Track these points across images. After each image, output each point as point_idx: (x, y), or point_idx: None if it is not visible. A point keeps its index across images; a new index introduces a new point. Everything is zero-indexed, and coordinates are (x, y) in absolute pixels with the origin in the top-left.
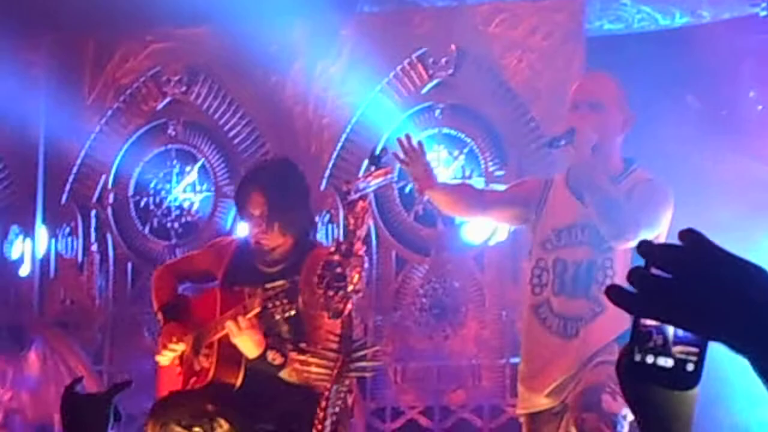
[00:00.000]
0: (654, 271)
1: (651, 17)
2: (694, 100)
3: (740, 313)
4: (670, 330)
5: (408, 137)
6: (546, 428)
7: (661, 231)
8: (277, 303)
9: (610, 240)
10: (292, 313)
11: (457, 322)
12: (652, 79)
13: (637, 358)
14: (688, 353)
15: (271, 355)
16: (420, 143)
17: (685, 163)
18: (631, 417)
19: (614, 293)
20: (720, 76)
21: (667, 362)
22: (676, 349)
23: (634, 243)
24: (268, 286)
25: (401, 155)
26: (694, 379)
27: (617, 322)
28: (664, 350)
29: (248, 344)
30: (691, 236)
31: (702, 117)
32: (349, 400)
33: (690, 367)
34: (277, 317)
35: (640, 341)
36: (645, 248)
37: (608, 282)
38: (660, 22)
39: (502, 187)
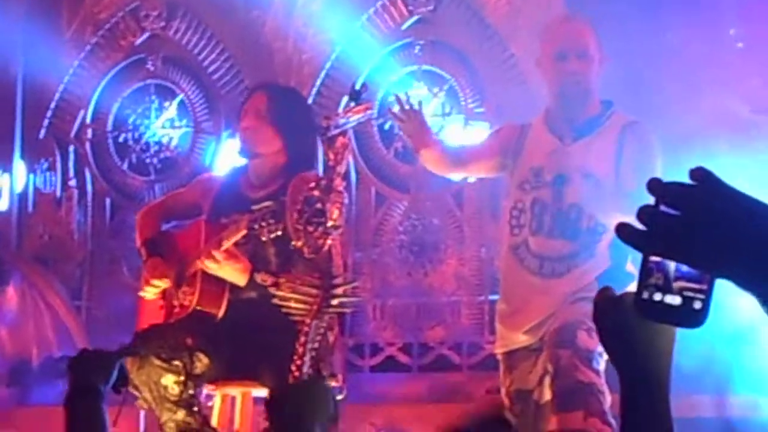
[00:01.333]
0: (663, 208)
1: None
2: (673, 37)
3: (748, 250)
4: (678, 267)
5: (406, 96)
6: (522, 365)
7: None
8: (263, 224)
9: (599, 217)
10: (279, 233)
11: (437, 259)
12: (630, 15)
13: (645, 295)
14: (695, 291)
15: (260, 277)
16: (420, 103)
17: (663, 102)
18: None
19: (624, 231)
20: (699, 13)
21: (674, 300)
22: (684, 286)
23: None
24: (255, 207)
25: (399, 114)
26: (701, 317)
27: (599, 262)
28: (671, 287)
29: (233, 274)
30: (701, 174)
31: (680, 54)
32: (331, 338)
33: (697, 305)
34: (264, 238)
35: (648, 279)
36: (655, 186)
37: (597, 227)
38: None
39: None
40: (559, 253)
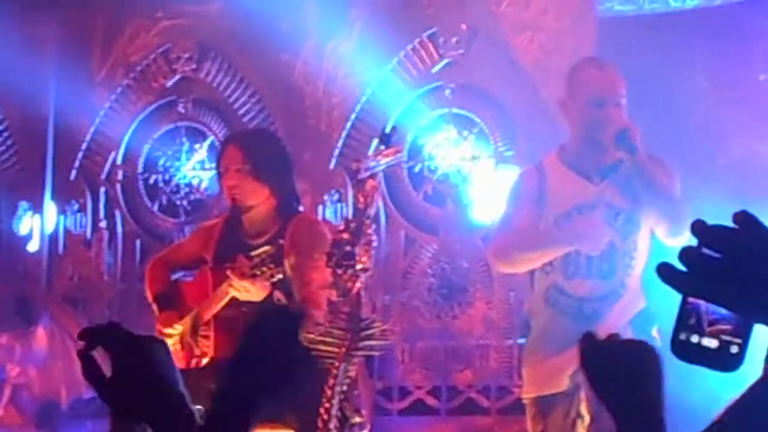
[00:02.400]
0: (705, 250)
1: None
2: (706, 83)
3: None
4: (717, 310)
5: None
6: (557, 410)
7: None
8: (264, 269)
9: (672, 237)
10: (280, 276)
11: (465, 302)
12: (662, 61)
13: (682, 336)
14: (732, 335)
15: (277, 295)
16: None
17: (695, 145)
18: None
19: (665, 271)
20: (731, 59)
21: (711, 343)
22: (722, 329)
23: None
24: (253, 253)
25: None
26: (737, 362)
27: (634, 305)
28: (708, 331)
29: (255, 292)
30: (743, 218)
31: (712, 99)
32: (354, 377)
33: (734, 349)
34: (266, 283)
35: (686, 320)
36: (698, 227)
37: (633, 266)
38: (671, 3)
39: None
40: (598, 294)
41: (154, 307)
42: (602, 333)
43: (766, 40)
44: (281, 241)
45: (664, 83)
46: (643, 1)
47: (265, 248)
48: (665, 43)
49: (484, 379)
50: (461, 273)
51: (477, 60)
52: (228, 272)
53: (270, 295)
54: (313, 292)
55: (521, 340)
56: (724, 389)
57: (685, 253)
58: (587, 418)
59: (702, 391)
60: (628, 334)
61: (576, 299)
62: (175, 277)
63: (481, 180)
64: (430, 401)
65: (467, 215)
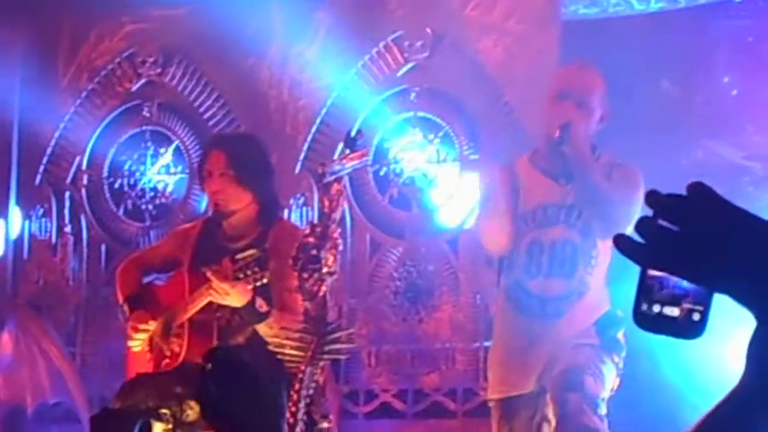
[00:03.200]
0: (661, 222)
1: (626, 2)
2: (669, 85)
3: (745, 266)
4: (677, 280)
5: None
6: (523, 412)
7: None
8: (249, 273)
9: (602, 236)
10: (264, 281)
11: (431, 306)
12: (627, 63)
13: (644, 307)
14: (693, 303)
15: (258, 302)
16: None
17: (659, 147)
18: (608, 397)
19: (622, 243)
20: (694, 61)
21: (673, 312)
22: (682, 298)
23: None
24: (239, 256)
25: None
26: (699, 329)
27: (597, 306)
28: (670, 300)
29: (235, 297)
30: (698, 188)
31: (676, 101)
32: (320, 379)
33: (696, 316)
34: (249, 287)
35: (646, 291)
36: (653, 199)
37: (594, 265)
38: (635, 6)
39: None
40: (560, 292)
41: (125, 307)
42: (566, 332)
43: (729, 43)
44: (267, 245)
45: (628, 85)
46: (607, 4)
47: (251, 252)
48: (629, 46)
49: (451, 382)
50: (427, 276)
51: (442, 64)
52: (209, 274)
53: (252, 302)
54: (291, 298)
55: (487, 343)
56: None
57: (641, 225)
58: (554, 422)
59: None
60: (592, 337)
61: (538, 298)
62: (147, 279)
63: (447, 183)
64: (397, 404)
65: (433, 219)
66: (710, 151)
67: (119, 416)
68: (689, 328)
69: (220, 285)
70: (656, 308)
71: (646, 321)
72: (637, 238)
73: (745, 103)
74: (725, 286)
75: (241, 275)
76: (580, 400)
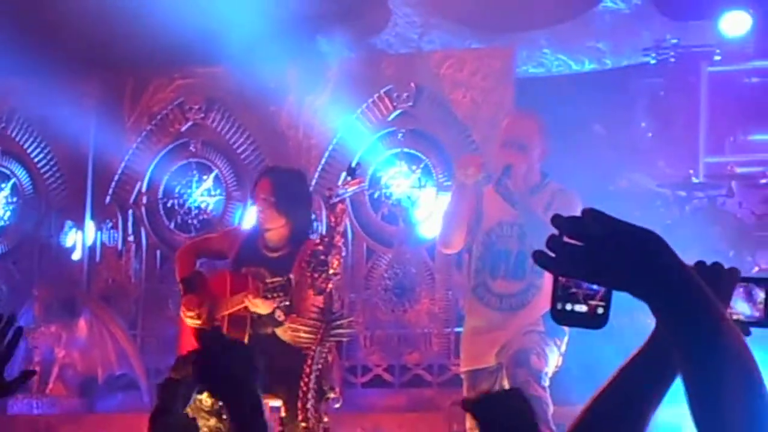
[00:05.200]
0: (566, 239)
1: (566, 63)
2: (600, 128)
3: (631, 268)
4: (581, 283)
5: None
6: (484, 384)
7: None
8: (275, 295)
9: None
10: (287, 303)
11: (413, 300)
12: (566, 111)
13: (559, 306)
14: (597, 300)
15: (277, 313)
16: None
17: (592, 177)
18: (551, 373)
19: (539, 257)
20: (619, 109)
21: (582, 308)
22: (588, 297)
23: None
24: (269, 281)
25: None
26: (604, 320)
27: (543, 302)
28: (578, 300)
29: (262, 308)
30: (591, 212)
31: (605, 141)
32: (329, 359)
33: (600, 310)
34: (275, 305)
35: (560, 294)
36: (557, 222)
37: (541, 271)
38: (573, 67)
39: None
40: (514, 291)
41: (180, 287)
42: (519, 322)
43: (645, 96)
44: (291, 276)
45: (567, 129)
46: (551, 65)
47: (279, 279)
48: (568, 98)
49: (428, 359)
50: (410, 277)
51: (423, 110)
52: (249, 290)
53: (272, 312)
54: (304, 306)
55: (458, 329)
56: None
57: (550, 242)
58: None
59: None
60: (539, 325)
61: (497, 295)
62: (199, 263)
63: (426, 204)
64: (386, 377)
65: (415, 232)
66: (631, 181)
67: (180, 385)
68: (596, 320)
69: (254, 300)
70: (569, 306)
71: (562, 317)
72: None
73: (658, 143)
74: (618, 285)
75: (269, 295)
76: (526, 374)
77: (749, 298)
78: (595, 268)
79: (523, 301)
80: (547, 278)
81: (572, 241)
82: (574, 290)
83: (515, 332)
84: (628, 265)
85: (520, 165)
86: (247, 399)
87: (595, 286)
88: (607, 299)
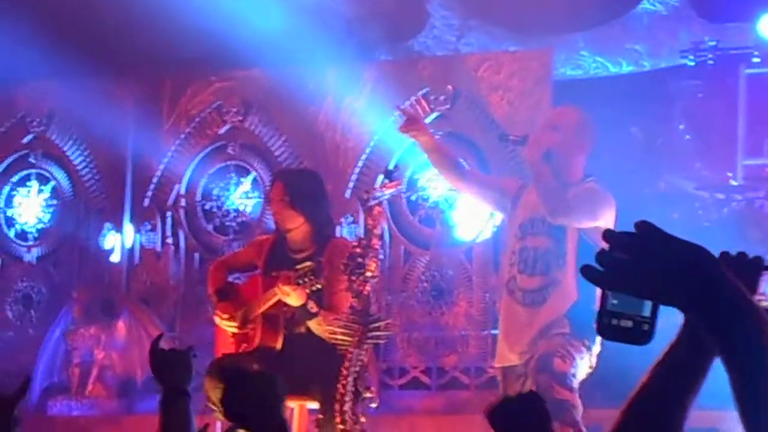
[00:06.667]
0: (615, 253)
1: (603, 66)
2: (637, 131)
3: (681, 284)
4: (630, 298)
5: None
6: (514, 386)
7: (604, 224)
8: (306, 280)
9: (547, 216)
10: (319, 287)
11: (451, 302)
12: (604, 114)
13: (605, 321)
14: (643, 316)
15: (310, 304)
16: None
17: (629, 179)
18: (580, 375)
19: (587, 272)
20: (656, 112)
21: (627, 324)
22: (634, 313)
23: (566, 220)
24: (298, 267)
25: (405, 124)
26: (649, 336)
27: (566, 299)
28: (624, 314)
29: (294, 297)
30: (643, 226)
31: (642, 144)
32: (366, 361)
33: (645, 327)
34: (306, 290)
35: (606, 308)
36: (608, 235)
37: (562, 264)
38: (610, 69)
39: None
40: (536, 286)
41: (213, 298)
42: (543, 320)
43: (683, 98)
44: (321, 260)
45: (605, 132)
46: (589, 67)
47: (307, 264)
48: (606, 100)
49: (465, 361)
50: (447, 279)
51: (460, 113)
52: (278, 279)
53: (305, 304)
54: (337, 299)
55: (495, 331)
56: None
57: (600, 257)
58: None
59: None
60: (564, 326)
61: (522, 290)
62: (231, 278)
63: (463, 207)
64: (423, 379)
65: (452, 234)
66: (669, 183)
67: (176, 357)
68: (640, 336)
69: (283, 287)
70: (614, 321)
71: (607, 331)
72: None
73: (696, 145)
74: (667, 299)
75: (300, 282)
76: (549, 379)
77: None
78: (643, 283)
79: (545, 296)
80: (569, 271)
81: (621, 255)
82: (620, 305)
83: (539, 331)
84: (678, 280)
85: (541, 139)
86: (273, 426)
87: (641, 302)
88: (653, 315)
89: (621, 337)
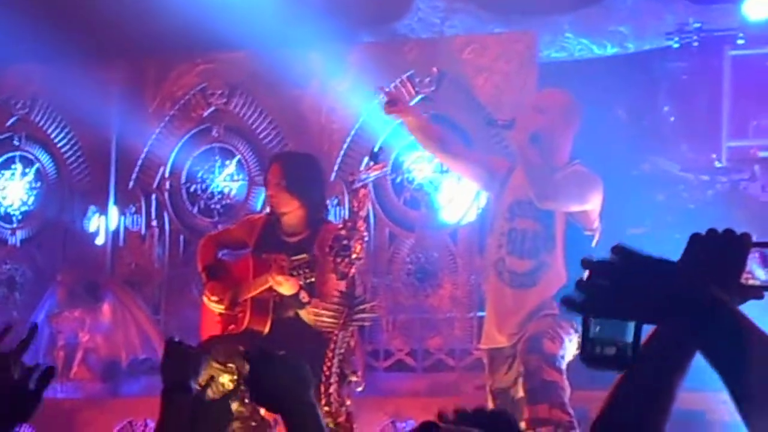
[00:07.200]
0: (595, 280)
1: (588, 48)
2: (622, 113)
3: (662, 299)
4: (611, 323)
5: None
6: (501, 367)
7: (591, 207)
8: (300, 272)
9: (535, 200)
10: (312, 280)
11: (436, 284)
12: (589, 96)
13: (589, 349)
14: (624, 341)
15: (302, 294)
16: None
17: (614, 161)
18: (568, 356)
19: (566, 301)
20: (641, 94)
21: (611, 351)
22: (616, 339)
23: (554, 205)
24: (294, 258)
25: (388, 104)
26: (631, 360)
27: (556, 281)
28: (608, 341)
29: (287, 287)
30: (619, 251)
31: (627, 126)
32: (352, 343)
33: (629, 352)
34: (300, 282)
35: (589, 336)
36: (587, 263)
37: (550, 247)
38: (595, 51)
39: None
40: (526, 269)
41: (203, 276)
42: (532, 301)
43: (668, 80)
44: (316, 253)
45: (590, 113)
46: (573, 49)
47: (304, 256)
48: (591, 82)
49: (450, 343)
50: (432, 261)
51: (445, 95)
52: (272, 271)
53: (297, 293)
54: (326, 288)
55: (480, 313)
56: None
57: (581, 286)
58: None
59: None
60: (552, 308)
61: (512, 273)
62: (220, 254)
63: (448, 189)
64: (409, 361)
65: (437, 217)
66: (654, 165)
67: (189, 357)
68: (624, 362)
69: (276, 277)
70: (598, 350)
71: (593, 361)
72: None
73: (681, 127)
74: (647, 317)
75: (294, 273)
76: (539, 360)
77: (765, 262)
78: (626, 305)
79: (534, 279)
80: (557, 254)
81: (601, 281)
82: (603, 331)
83: (528, 314)
84: (658, 296)
85: (527, 122)
86: (304, 410)
87: (622, 326)
88: (636, 339)
89: (606, 365)
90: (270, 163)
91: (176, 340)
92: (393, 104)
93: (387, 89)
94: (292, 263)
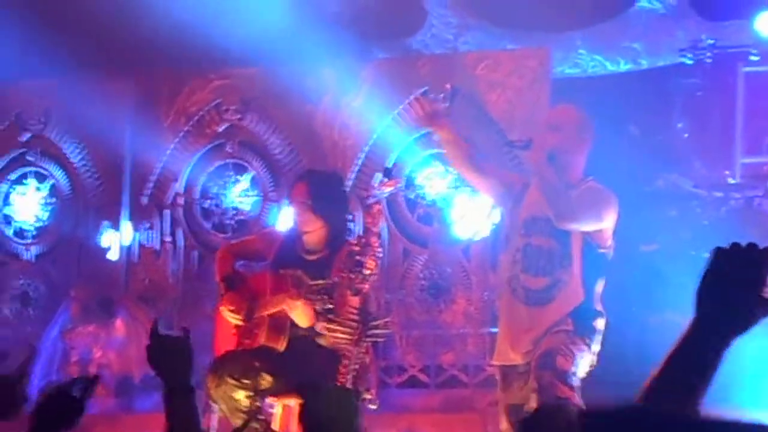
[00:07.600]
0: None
1: (601, 64)
2: (636, 129)
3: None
4: None
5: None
6: (516, 383)
7: (607, 225)
8: (318, 298)
9: (554, 221)
10: (330, 306)
11: (449, 300)
12: (602, 112)
13: None
14: None
15: (319, 326)
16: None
17: (628, 178)
18: (581, 372)
19: None
20: (655, 110)
21: None
22: None
23: (573, 225)
24: (313, 283)
25: (427, 115)
26: None
27: (573, 299)
28: None
29: (303, 318)
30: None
31: (641, 142)
32: (366, 360)
33: None
34: (317, 308)
35: None
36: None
37: (566, 265)
38: (608, 67)
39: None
40: (541, 287)
41: (221, 286)
42: (549, 319)
43: (681, 96)
44: (335, 280)
45: (603, 129)
46: (587, 65)
47: (322, 281)
48: (604, 98)
49: (464, 360)
50: (446, 277)
51: (458, 111)
52: (289, 292)
53: (313, 326)
54: (345, 309)
55: (493, 329)
56: None
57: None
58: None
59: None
60: (567, 324)
61: (527, 290)
62: (237, 265)
63: (461, 205)
64: (422, 377)
65: (450, 232)
66: (667, 181)
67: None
68: None
69: (291, 302)
70: None
71: None
72: None
73: (694, 144)
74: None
75: (312, 297)
76: (551, 376)
77: None
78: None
79: (549, 296)
80: (574, 272)
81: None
82: None
83: (543, 331)
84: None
85: (544, 142)
86: (177, 383)
87: None
88: None
89: None
90: (296, 180)
91: (159, 332)
92: (433, 117)
93: (432, 100)
94: (311, 288)
